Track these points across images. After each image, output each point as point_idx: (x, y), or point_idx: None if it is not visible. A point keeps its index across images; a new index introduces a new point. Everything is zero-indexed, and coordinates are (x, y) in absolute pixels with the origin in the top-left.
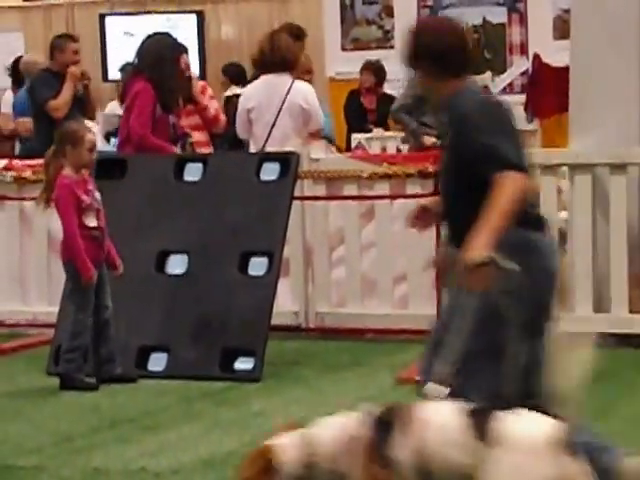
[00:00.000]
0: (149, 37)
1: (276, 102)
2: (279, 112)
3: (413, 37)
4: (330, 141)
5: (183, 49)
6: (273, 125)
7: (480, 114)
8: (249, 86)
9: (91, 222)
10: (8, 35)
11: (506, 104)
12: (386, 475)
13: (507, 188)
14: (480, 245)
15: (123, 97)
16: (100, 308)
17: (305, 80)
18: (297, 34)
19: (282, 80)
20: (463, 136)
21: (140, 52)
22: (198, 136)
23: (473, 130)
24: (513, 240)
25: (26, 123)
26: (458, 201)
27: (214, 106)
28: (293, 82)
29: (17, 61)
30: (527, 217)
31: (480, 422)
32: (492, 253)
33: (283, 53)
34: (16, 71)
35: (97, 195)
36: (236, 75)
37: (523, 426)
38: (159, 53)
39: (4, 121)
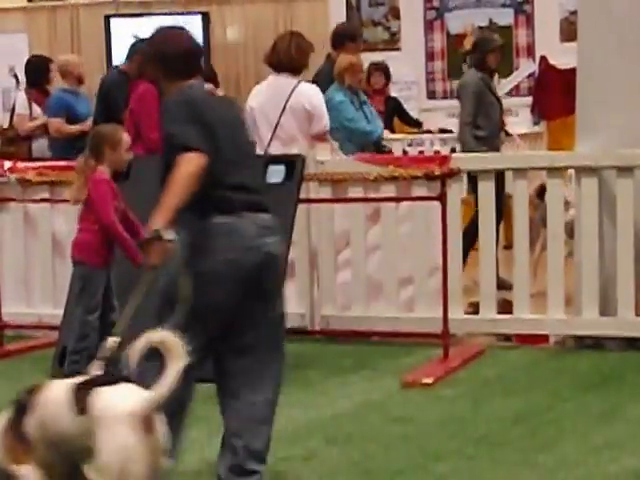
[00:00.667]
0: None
1: (280, 103)
2: (282, 113)
3: (146, 44)
4: (379, 146)
5: None
6: (277, 125)
7: (171, 108)
8: (256, 86)
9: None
10: (12, 36)
11: (209, 100)
12: (23, 449)
13: (181, 168)
14: (155, 223)
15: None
16: (106, 309)
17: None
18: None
19: (287, 81)
20: (162, 129)
21: (146, 53)
22: None
23: (165, 122)
24: (194, 224)
25: (56, 123)
26: (163, 186)
27: None
28: (298, 83)
29: (30, 61)
30: (211, 200)
31: (81, 397)
32: (161, 229)
33: (292, 54)
34: (31, 71)
35: (123, 203)
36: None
37: (113, 399)
38: (164, 54)
39: (20, 122)
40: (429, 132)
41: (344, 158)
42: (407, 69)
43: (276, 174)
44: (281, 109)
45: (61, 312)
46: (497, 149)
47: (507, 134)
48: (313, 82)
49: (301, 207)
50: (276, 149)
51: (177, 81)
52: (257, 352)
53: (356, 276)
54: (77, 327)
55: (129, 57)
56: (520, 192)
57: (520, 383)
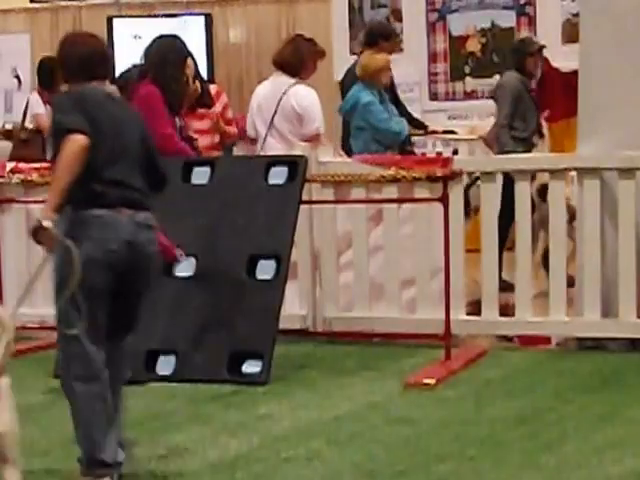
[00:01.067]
0: (156, 39)
1: (274, 102)
2: (274, 112)
3: (58, 46)
4: (405, 146)
5: (188, 51)
6: (270, 124)
7: (60, 101)
8: (259, 84)
9: None
10: (15, 37)
11: (99, 98)
12: None
13: (66, 149)
14: (45, 208)
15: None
16: None
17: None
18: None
19: (284, 81)
20: (51, 121)
21: (145, 54)
22: (205, 140)
23: (53, 113)
24: (72, 215)
25: None
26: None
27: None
28: (293, 85)
29: (42, 63)
30: (87, 192)
31: None
32: (41, 218)
33: (286, 56)
34: (43, 72)
35: None
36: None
37: None
38: (163, 55)
39: (42, 121)
40: (434, 132)
41: (346, 159)
42: (409, 71)
43: (278, 175)
44: (274, 108)
45: None
46: (531, 151)
47: (541, 136)
48: (342, 81)
49: (303, 208)
50: (270, 148)
51: (76, 83)
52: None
53: (358, 277)
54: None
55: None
56: (522, 194)
57: (522, 384)
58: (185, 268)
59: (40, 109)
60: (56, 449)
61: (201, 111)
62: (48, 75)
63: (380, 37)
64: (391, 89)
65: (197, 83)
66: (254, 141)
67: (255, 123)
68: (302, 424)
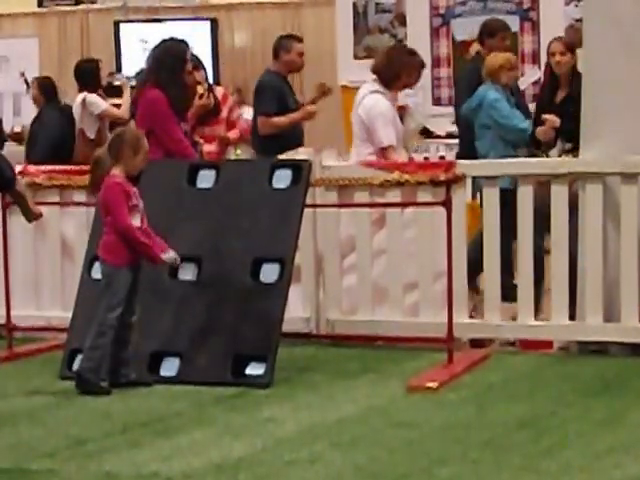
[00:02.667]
0: (159, 43)
1: (355, 107)
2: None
3: None
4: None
5: (189, 51)
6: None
7: None
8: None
9: (136, 222)
10: (23, 41)
11: None
12: None
13: None
14: None
15: (135, 106)
16: (126, 312)
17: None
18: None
19: (367, 88)
20: None
21: (148, 59)
22: (210, 147)
23: None
24: None
25: None
26: None
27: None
28: (370, 93)
29: (79, 65)
30: None
31: None
32: None
33: (379, 64)
34: (82, 75)
35: (141, 204)
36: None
37: None
38: (160, 60)
39: (115, 111)
40: (438, 137)
41: (350, 163)
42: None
43: (283, 179)
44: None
45: (70, 315)
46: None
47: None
48: (459, 80)
49: (307, 212)
50: (352, 155)
51: None
52: None
53: (361, 281)
54: (97, 324)
55: (275, 57)
56: (524, 198)
57: (524, 388)
58: (190, 271)
59: (104, 105)
60: (62, 450)
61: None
62: (88, 77)
63: (483, 34)
64: (512, 90)
65: (211, 96)
66: None
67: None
68: (305, 427)
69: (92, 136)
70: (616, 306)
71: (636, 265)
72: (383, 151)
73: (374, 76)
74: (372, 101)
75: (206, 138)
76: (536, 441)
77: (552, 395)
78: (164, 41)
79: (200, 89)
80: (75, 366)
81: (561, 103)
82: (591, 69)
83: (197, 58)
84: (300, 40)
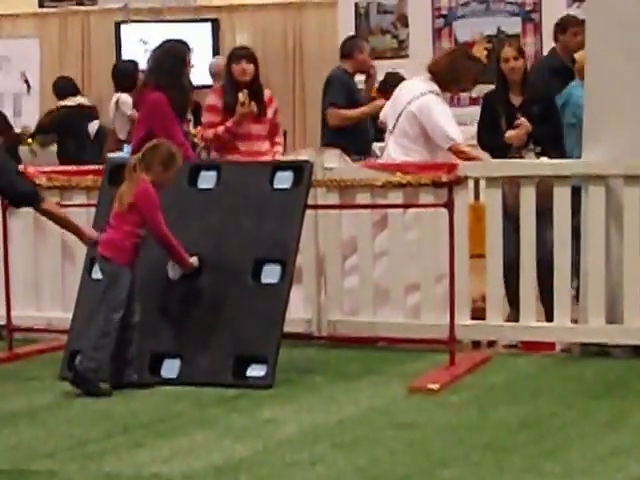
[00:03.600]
0: (160, 44)
1: (402, 104)
2: (399, 115)
3: None
4: None
5: (190, 51)
6: (394, 127)
7: None
8: (406, 81)
9: (142, 231)
10: (24, 41)
11: None
12: None
13: None
14: None
15: (136, 107)
16: (127, 312)
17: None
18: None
19: (424, 87)
20: None
21: (148, 60)
22: (260, 145)
23: None
24: None
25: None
26: None
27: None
28: (426, 93)
29: (117, 66)
30: None
31: None
32: None
33: (442, 66)
34: (119, 76)
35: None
36: (64, 89)
37: None
38: (159, 62)
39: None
40: None
41: (352, 165)
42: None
43: (284, 180)
44: (400, 110)
45: (70, 316)
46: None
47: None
48: (535, 80)
49: (308, 213)
50: (389, 154)
51: None
52: None
53: (363, 282)
54: (100, 324)
55: (347, 56)
56: (528, 200)
57: (526, 390)
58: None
59: (130, 110)
60: (62, 451)
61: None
62: (125, 78)
63: (557, 31)
64: None
65: (253, 104)
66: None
67: (388, 116)
68: (306, 428)
69: (123, 137)
70: (618, 308)
71: (638, 267)
72: (455, 147)
73: (427, 75)
74: (428, 101)
75: (245, 137)
76: (538, 443)
77: (554, 397)
78: (164, 42)
79: (241, 97)
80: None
81: (522, 107)
82: (594, 71)
83: (250, 53)
84: (367, 41)
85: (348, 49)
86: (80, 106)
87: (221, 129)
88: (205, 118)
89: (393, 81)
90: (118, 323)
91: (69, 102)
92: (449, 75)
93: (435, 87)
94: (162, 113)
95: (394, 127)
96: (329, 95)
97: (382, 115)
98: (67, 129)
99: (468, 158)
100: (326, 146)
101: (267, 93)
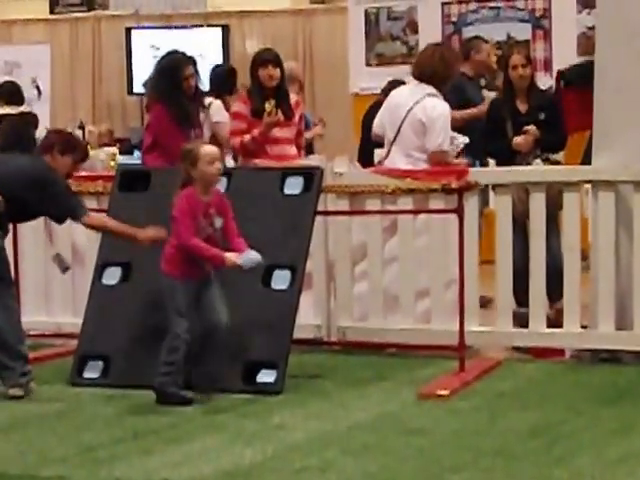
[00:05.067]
0: (160, 58)
1: (404, 111)
2: (402, 122)
3: None
4: None
5: (187, 61)
6: (397, 134)
7: None
8: (393, 91)
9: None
10: (35, 47)
11: None
12: None
13: None
14: None
15: (147, 111)
16: (204, 318)
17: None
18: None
19: (421, 90)
20: None
21: (151, 73)
22: (289, 149)
23: None
24: None
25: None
26: None
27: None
28: (426, 96)
29: (215, 70)
30: None
31: None
32: None
33: (435, 66)
34: (216, 80)
35: (218, 223)
36: (9, 94)
37: None
38: (158, 75)
39: (225, 131)
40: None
41: (362, 171)
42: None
43: (294, 186)
44: (404, 116)
45: (80, 321)
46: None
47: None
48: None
49: (318, 219)
50: (393, 161)
51: None
52: None
53: (373, 288)
54: (167, 341)
55: (465, 59)
56: (538, 206)
57: (536, 396)
58: None
59: (220, 117)
60: (72, 457)
61: (284, 121)
62: (222, 84)
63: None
64: None
65: (279, 113)
66: (379, 145)
67: (385, 127)
68: (316, 434)
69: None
70: (628, 314)
71: None
72: (442, 154)
73: (414, 81)
74: (434, 103)
75: (272, 140)
76: (548, 449)
77: (564, 403)
78: (164, 56)
79: (268, 106)
80: (86, 373)
81: (528, 114)
82: (603, 77)
83: (276, 55)
84: (487, 41)
85: (465, 51)
86: (22, 113)
87: (248, 138)
88: (232, 125)
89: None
90: (186, 334)
91: (11, 110)
92: (444, 72)
93: (431, 89)
94: (164, 128)
95: (395, 137)
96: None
97: (376, 126)
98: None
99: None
100: None
101: (294, 98)
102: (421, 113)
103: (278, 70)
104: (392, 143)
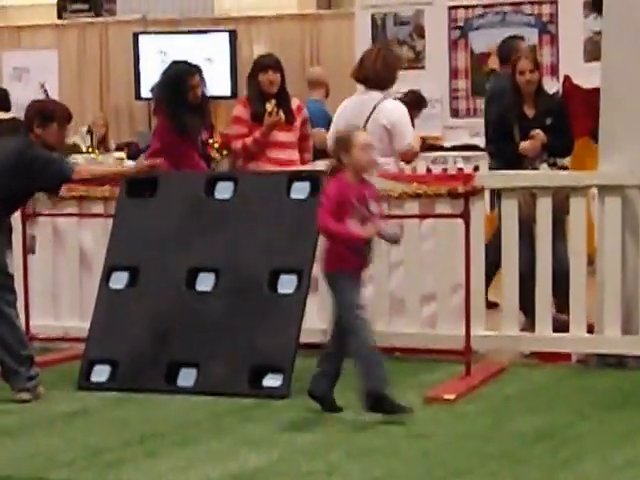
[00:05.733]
0: (164, 70)
1: (362, 119)
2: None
3: None
4: None
5: (193, 71)
6: None
7: None
8: (343, 101)
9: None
10: (43, 52)
11: None
12: None
13: None
14: None
15: (156, 115)
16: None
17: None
18: None
19: (373, 97)
20: None
21: (157, 82)
22: (290, 153)
23: None
24: None
25: (323, 134)
26: None
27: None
28: (382, 100)
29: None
30: None
31: None
32: None
33: (378, 69)
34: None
35: (373, 207)
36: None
37: None
38: (162, 86)
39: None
40: (456, 149)
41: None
42: (431, 87)
43: (300, 190)
44: (363, 126)
45: (87, 325)
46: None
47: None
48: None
49: None
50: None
51: None
52: None
53: (379, 292)
54: (354, 343)
55: (504, 62)
56: (544, 210)
57: (542, 401)
58: (207, 282)
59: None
60: (79, 460)
61: (285, 125)
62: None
63: None
64: None
65: (281, 113)
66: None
67: None
68: (322, 438)
69: None
70: (634, 319)
71: None
72: (414, 152)
73: (360, 85)
74: (391, 106)
75: (274, 145)
76: (554, 453)
77: (570, 407)
78: (169, 66)
79: (268, 107)
80: (93, 377)
81: (535, 119)
82: (610, 82)
83: (276, 60)
84: (523, 39)
85: (505, 53)
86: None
87: (249, 140)
88: (232, 130)
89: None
90: (361, 321)
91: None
92: (388, 75)
93: (381, 93)
94: (169, 139)
95: None
96: (485, 108)
97: (329, 138)
98: None
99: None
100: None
101: (295, 102)
102: (382, 118)
103: (278, 75)
104: None
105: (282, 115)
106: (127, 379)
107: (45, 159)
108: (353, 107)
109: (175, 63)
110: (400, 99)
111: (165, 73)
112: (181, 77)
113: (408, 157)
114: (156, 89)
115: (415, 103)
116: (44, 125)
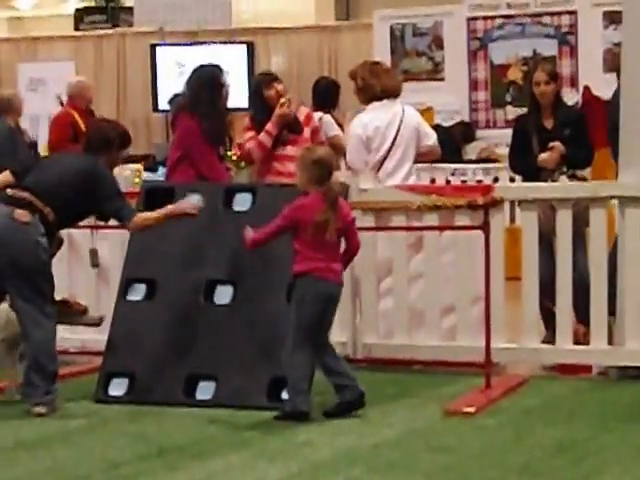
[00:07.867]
0: (195, 70)
1: (394, 128)
2: (397, 133)
3: None
4: None
5: (222, 72)
6: (388, 151)
7: None
8: (362, 115)
9: None
10: (60, 64)
11: None
12: None
13: None
14: None
15: (172, 128)
16: None
17: None
18: None
19: (398, 106)
20: None
21: (184, 86)
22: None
23: None
24: None
25: (340, 139)
26: None
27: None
28: (404, 106)
29: (319, 83)
30: None
31: None
32: None
33: (399, 81)
34: (320, 93)
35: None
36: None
37: None
38: (197, 89)
39: (343, 141)
40: (475, 161)
41: (387, 187)
42: (450, 99)
43: None
44: (394, 134)
45: (105, 338)
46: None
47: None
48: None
49: None
50: (389, 174)
51: None
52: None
53: (398, 304)
54: None
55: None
56: (564, 222)
57: (562, 413)
58: (225, 294)
59: (335, 130)
60: (97, 473)
61: (291, 137)
62: (325, 97)
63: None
64: None
65: (292, 107)
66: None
67: (366, 154)
68: (341, 451)
69: None
70: None
71: None
72: (432, 151)
73: (360, 107)
74: (409, 109)
75: (283, 158)
76: (574, 466)
77: (591, 420)
78: (198, 68)
79: (282, 100)
80: (111, 390)
81: (554, 130)
82: (629, 93)
83: (276, 76)
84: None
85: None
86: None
87: (262, 135)
88: (245, 136)
89: None
90: None
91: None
92: (400, 86)
93: (396, 101)
94: (194, 142)
95: (390, 150)
96: None
97: (353, 160)
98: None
99: None
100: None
101: (304, 111)
102: (413, 120)
103: (282, 85)
104: (383, 161)
105: (293, 106)
106: (145, 392)
107: (115, 186)
108: (379, 120)
109: (202, 66)
110: (448, 128)
111: (198, 74)
112: (216, 75)
113: (431, 156)
114: (191, 88)
115: (466, 135)
116: (120, 148)
